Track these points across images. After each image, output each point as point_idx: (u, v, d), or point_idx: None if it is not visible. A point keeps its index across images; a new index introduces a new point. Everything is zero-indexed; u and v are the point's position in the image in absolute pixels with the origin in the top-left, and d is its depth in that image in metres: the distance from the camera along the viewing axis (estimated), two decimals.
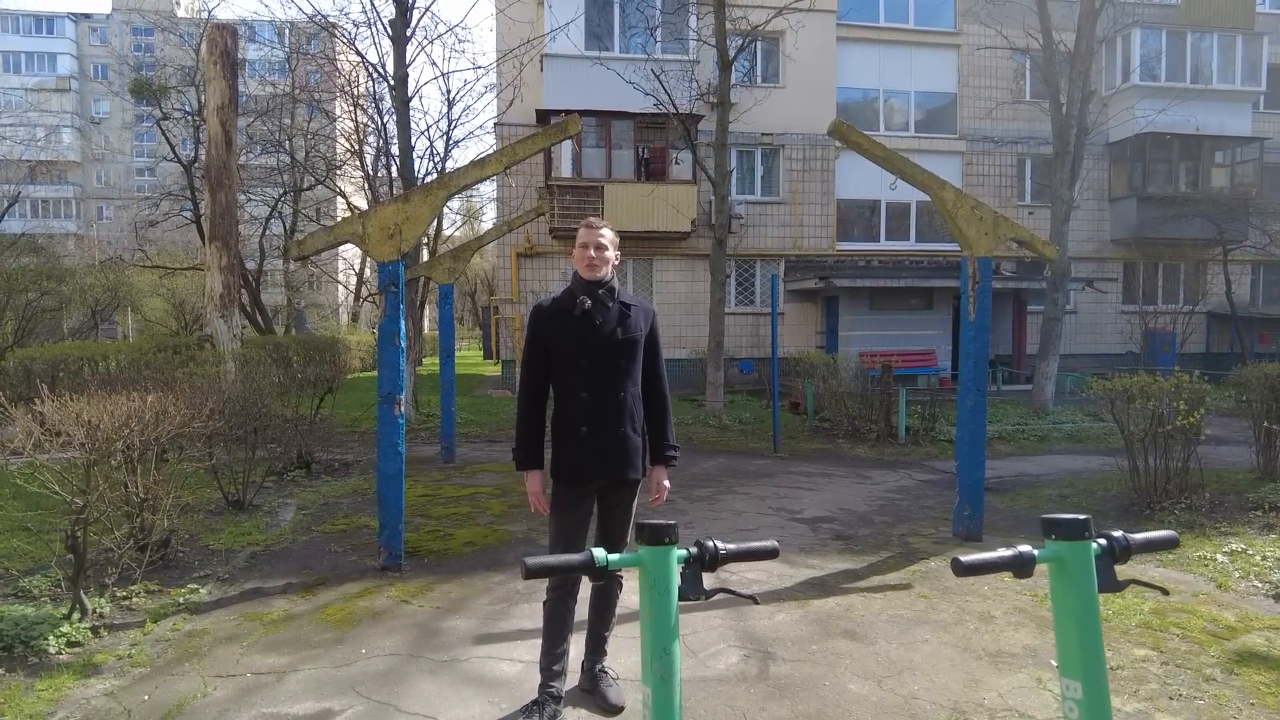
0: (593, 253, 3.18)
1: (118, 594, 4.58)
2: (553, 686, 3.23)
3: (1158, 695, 3.47)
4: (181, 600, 4.64)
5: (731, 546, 1.58)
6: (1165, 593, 1.71)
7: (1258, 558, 5.42)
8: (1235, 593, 4.87)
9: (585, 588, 3.36)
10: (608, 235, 3.23)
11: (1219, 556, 5.49)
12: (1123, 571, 1.55)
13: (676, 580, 1.53)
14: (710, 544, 1.56)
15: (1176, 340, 19.25)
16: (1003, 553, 1.46)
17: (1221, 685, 3.56)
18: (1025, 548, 1.48)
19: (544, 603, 3.29)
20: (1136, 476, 6.88)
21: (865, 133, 6.00)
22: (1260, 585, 4.97)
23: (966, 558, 1.45)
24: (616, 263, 3.27)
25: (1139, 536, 1.57)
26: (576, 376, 3.16)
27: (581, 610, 3.38)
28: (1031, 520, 6.76)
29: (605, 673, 3.43)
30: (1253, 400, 7.80)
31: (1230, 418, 10.43)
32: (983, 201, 6.08)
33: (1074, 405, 13.42)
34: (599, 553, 1.51)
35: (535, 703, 3.22)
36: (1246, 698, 3.44)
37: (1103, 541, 1.53)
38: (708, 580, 1.59)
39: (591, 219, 3.31)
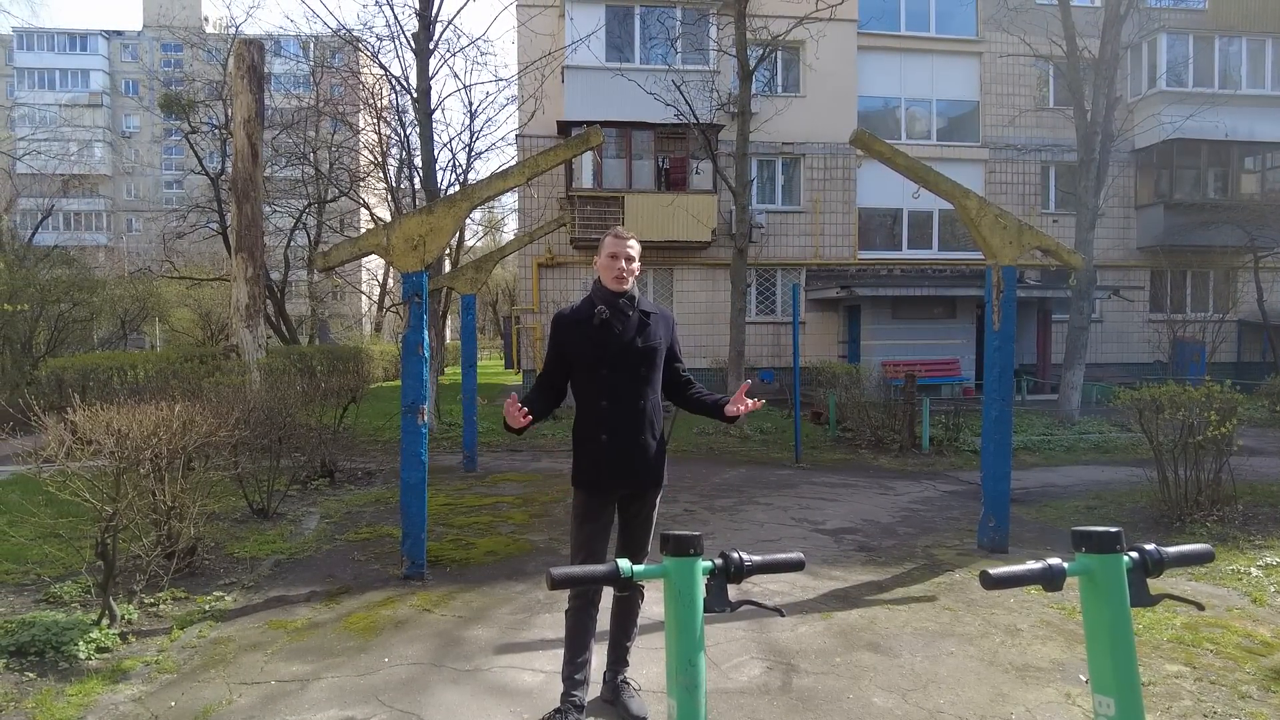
0: (623, 264, 3.18)
1: (145, 601, 4.64)
2: (575, 696, 3.23)
3: (1191, 713, 3.40)
4: (207, 608, 4.69)
5: (757, 558, 1.57)
6: (1200, 608, 1.67)
7: None
8: (1271, 608, 4.76)
9: (607, 597, 3.36)
10: (636, 247, 3.25)
11: (1253, 570, 5.38)
12: (1156, 585, 1.52)
13: (702, 592, 1.52)
14: (735, 555, 1.56)
15: (1206, 350, 18.92)
16: (1032, 566, 1.44)
17: (1258, 703, 3.48)
18: (1055, 561, 1.45)
19: (565, 612, 3.29)
20: (1166, 488, 6.76)
21: (887, 142, 5.98)
22: None
23: (995, 570, 1.43)
24: (639, 273, 3.29)
25: (1172, 550, 1.55)
26: (597, 385, 3.18)
27: (604, 620, 3.37)
28: (1058, 532, 6.67)
29: (627, 683, 3.42)
30: None
31: (1264, 428, 10.23)
32: (1006, 210, 6.03)
33: (1100, 416, 13.23)
34: (624, 564, 1.51)
35: (558, 711, 3.22)
36: None
37: (1135, 555, 1.51)
38: (733, 592, 1.59)
39: (619, 229, 3.31)
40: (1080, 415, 13.50)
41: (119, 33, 58.56)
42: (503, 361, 34.34)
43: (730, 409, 3.10)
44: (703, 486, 8.65)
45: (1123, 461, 9.79)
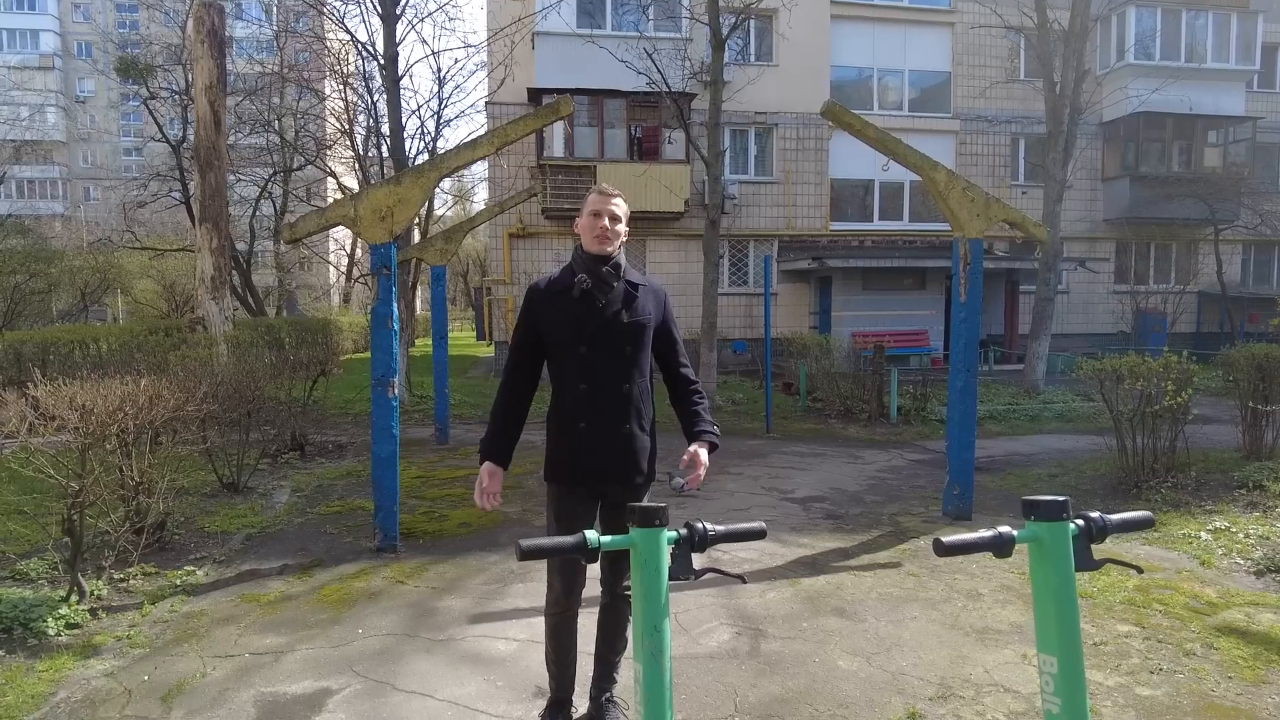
0: (606, 223, 2.79)
1: (115, 576, 4.62)
2: (562, 698, 3.06)
3: (1139, 669, 3.55)
4: (178, 582, 4.68)
5: (720, 528, 1.62)
6: (1139, 570, 1.75)
7: (1240, 535, 5.51)
8: (1218, 569, 4.95)
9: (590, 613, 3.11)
10: (623, 207, 2.85)
11: (1203, 534, 5.58)
12: (1101, 550, 1.59)
13: (666, 561, 1.57)
14: (699, 525, 1.60)
15: (1167, 320, 19.35)
16: (983, 534, 1.51)
17: (1201, 659, 3.64)
18: (1005, 528, 1.52)
19: (545, 617, 3.03)
20: (1125, 456, 6.95)
21: (858, 113, 5.98)
22: (1242, 562, 5.05)
23: (948, 538, 1.49)
24: (625, 239, 2.89)
25: (1115, 517, 1.62)
26: (575, 365, 2.79)
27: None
28: (1021, 500, 6.84)
29: (613, 702, 3.04)
30: (1240, 380, 7.88)
31: (1218, 397, 10.52)
32: (975, 183, 6.10)
33: (1064, 386, 13.51)
34: (591, 535, 1.55)
35: (553, 703, 3.06)
36: (1224, 671, 3.52)
37: (1080, 522, 1.58)
38: (697, 560, 1.63)
39: (604, 185, 2.89)
40: (1045, 385, 13.77)
41: None
42: (474, 333, 34.09)
43: (689, 451, 2.79)
44: (674, 457, 8.68)
45: (1085, 430, 10.03)
